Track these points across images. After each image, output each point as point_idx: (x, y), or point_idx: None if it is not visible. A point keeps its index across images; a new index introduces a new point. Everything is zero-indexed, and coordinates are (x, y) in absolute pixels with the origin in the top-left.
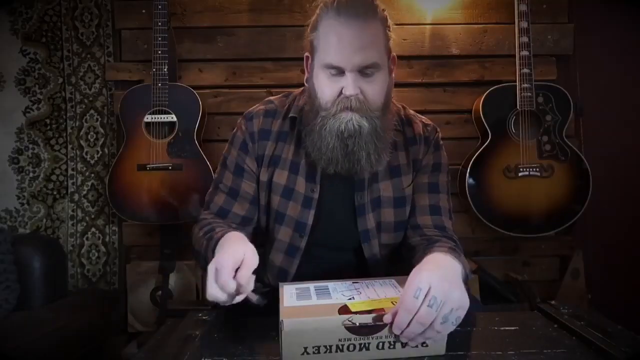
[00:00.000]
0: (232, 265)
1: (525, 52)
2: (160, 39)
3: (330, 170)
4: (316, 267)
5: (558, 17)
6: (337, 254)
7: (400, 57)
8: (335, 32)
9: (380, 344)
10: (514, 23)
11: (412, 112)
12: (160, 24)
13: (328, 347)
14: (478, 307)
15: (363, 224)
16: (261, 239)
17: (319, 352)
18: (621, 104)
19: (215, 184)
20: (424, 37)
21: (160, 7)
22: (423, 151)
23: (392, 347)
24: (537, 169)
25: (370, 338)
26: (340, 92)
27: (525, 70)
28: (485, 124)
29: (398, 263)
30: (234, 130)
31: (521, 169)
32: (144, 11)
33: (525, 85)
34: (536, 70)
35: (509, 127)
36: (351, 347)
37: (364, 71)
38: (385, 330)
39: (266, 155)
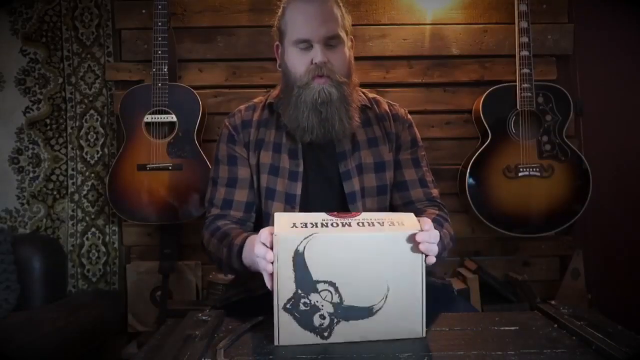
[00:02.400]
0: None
1: (525, 52)
2: (160, 39)
3: (307, 139)
4: None
5: (558, 17)
6: None
7: (400, 57)
8: (300, 11)
9: (361, 222)
10: (514, 23)
11: (376, 95)
12: (160, 24)
13: (314, 224)
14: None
15: (349, 187)
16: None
17: (306, 227)
18: (621, 104)
19: (212, 181)
20: (424, 37)
21: (160, 7)
22: (395, 126)
23: (371, 225)
24: (537, 169)
25: (350, 218)
26: (311, 63)
27: (525, 70)
28: (485, 124)
29: None
30: (220, 131)
31: (521, 169)
32: (144, 11)
33: (525, 85)
34: (536, 70)
35: (509, 127)
36: (334, 224)
37: (328, 43)
38: (364, 215)
39: (251, 141)
